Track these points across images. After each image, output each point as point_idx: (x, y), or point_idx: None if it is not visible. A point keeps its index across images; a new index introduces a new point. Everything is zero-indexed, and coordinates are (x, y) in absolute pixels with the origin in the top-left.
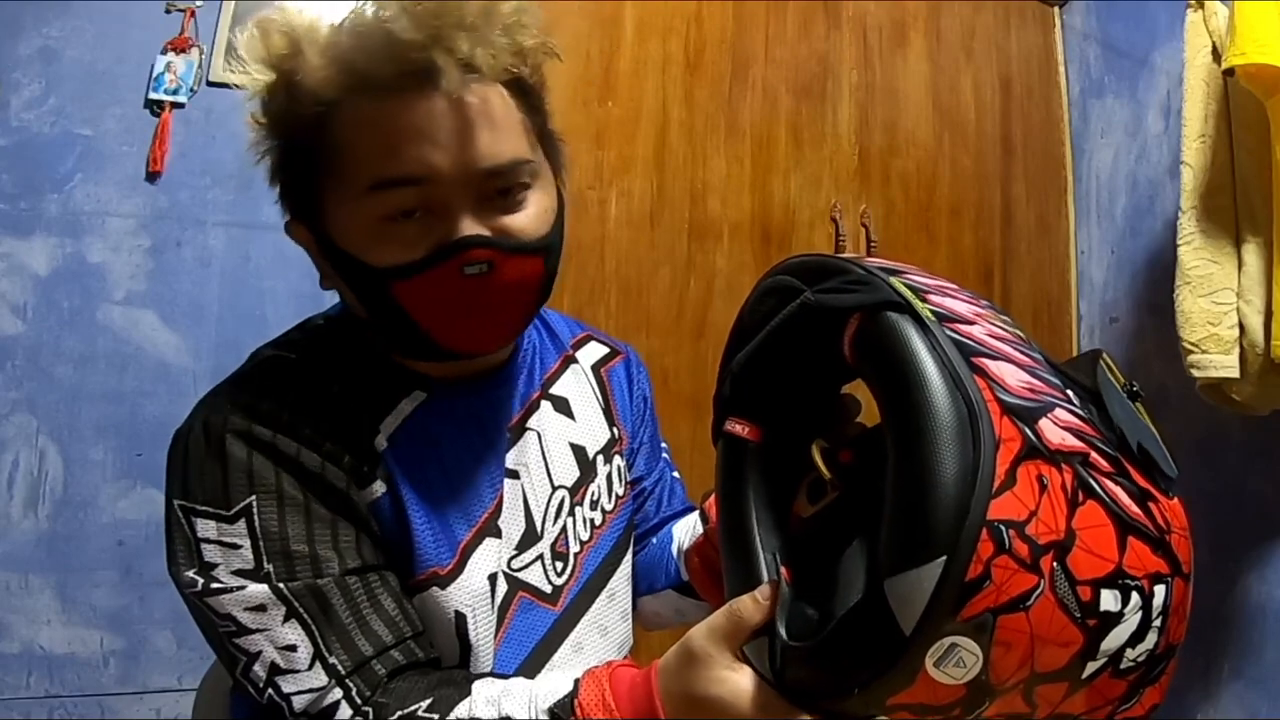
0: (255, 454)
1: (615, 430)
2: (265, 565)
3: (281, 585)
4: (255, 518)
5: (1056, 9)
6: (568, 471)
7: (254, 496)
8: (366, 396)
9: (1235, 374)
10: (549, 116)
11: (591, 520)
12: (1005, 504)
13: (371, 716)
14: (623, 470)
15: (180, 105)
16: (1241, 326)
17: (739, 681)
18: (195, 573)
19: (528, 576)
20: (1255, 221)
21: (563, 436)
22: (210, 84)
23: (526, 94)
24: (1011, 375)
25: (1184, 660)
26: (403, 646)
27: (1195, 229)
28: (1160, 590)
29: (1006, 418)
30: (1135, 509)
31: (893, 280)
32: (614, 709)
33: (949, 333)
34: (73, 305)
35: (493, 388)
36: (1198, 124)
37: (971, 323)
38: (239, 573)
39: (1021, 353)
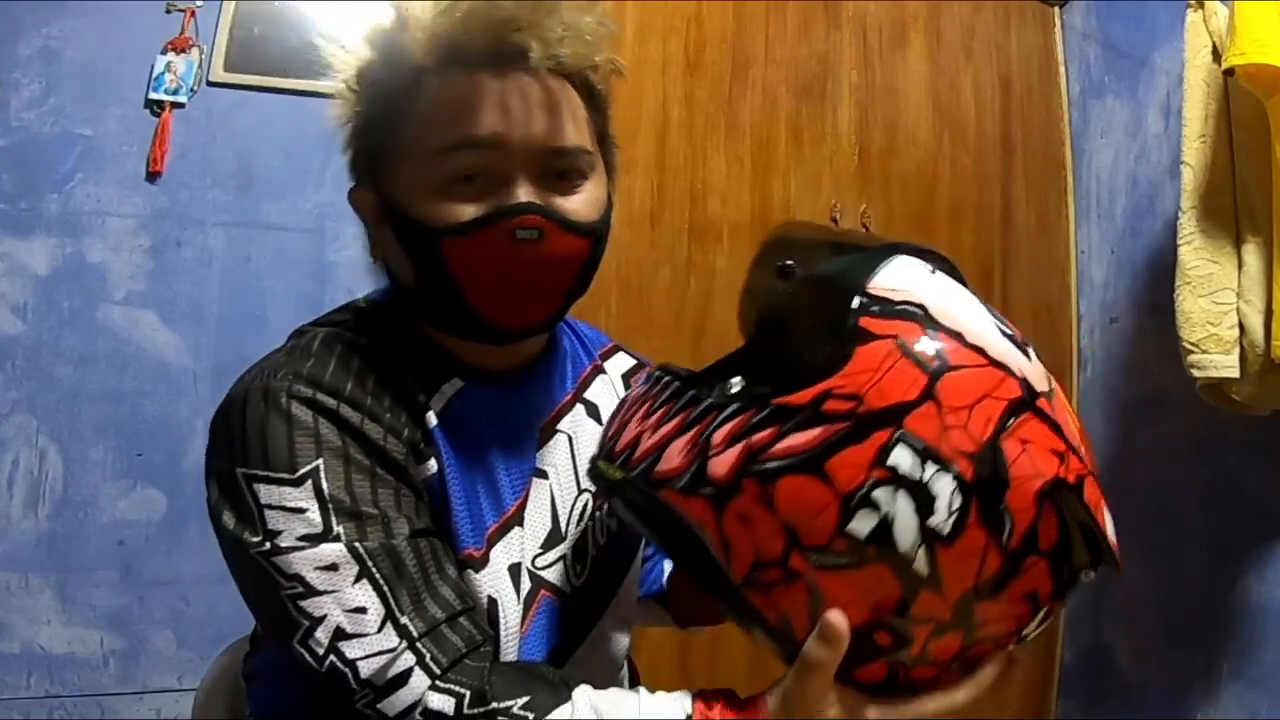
0: (320, 419)
1: None
2: (336, 527)
3: (356, 544)
4: (322, 481)
5: (1056, 9)
6: None
7: (320, 460)
8: (417, 375)
9: (1235, 374)
10: (610, 122)
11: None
12: None
13: (467, 700)
14: None
15: (180, 105)
16: (1241, 326)
17: (852, 707)
18: (261, 538)
19: (550, 576)
20: (1255, 221)
21: (592, 441)
22: (210, 84)
23: (593, 95)
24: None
25: (1184, 660)
26: (468, 615)
27: (1195, 229)
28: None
29: None
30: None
31: None
32: None
33: None
34: (73, 305)
35: (525, 384)
36: (1198, 124)
37: None
38: (305, 537)
39: None
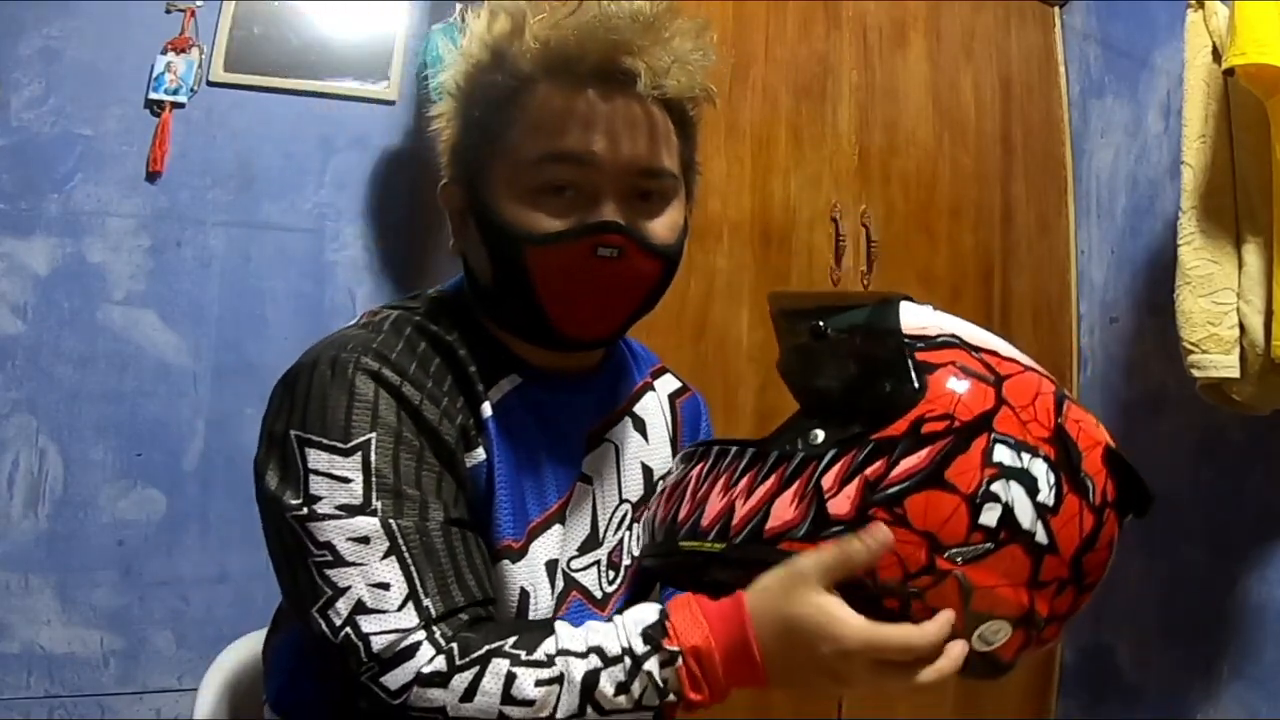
0: (381, 394)
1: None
2: (374, 502)
3: (391, 521)
4: (371, 454)
5: (1056, 9)
6: (635, 488)
7: (374, 434)
8: (478, 366)
9: (1235, 374)
10: (696, 149)
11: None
12: None
13: (456, 651)
14: None
15: (180, 105)
16: (1242, 326)
17: (834, 607)
18: (300, 502)
19: (583, 579)
20: (1255, 221)
21: (636, 455)
22: (210, 84)
23: (685, 124)
24: None
25: (1184, 660)
26: (489, 606)
27: (1195, 229)
28: None
29: None
30: None
31: None
32: (706, 629)
33: None
34: (73, 305)
35: (580, 391)
36: (1198, 124)
37: None
38: (344, 507)
39: None
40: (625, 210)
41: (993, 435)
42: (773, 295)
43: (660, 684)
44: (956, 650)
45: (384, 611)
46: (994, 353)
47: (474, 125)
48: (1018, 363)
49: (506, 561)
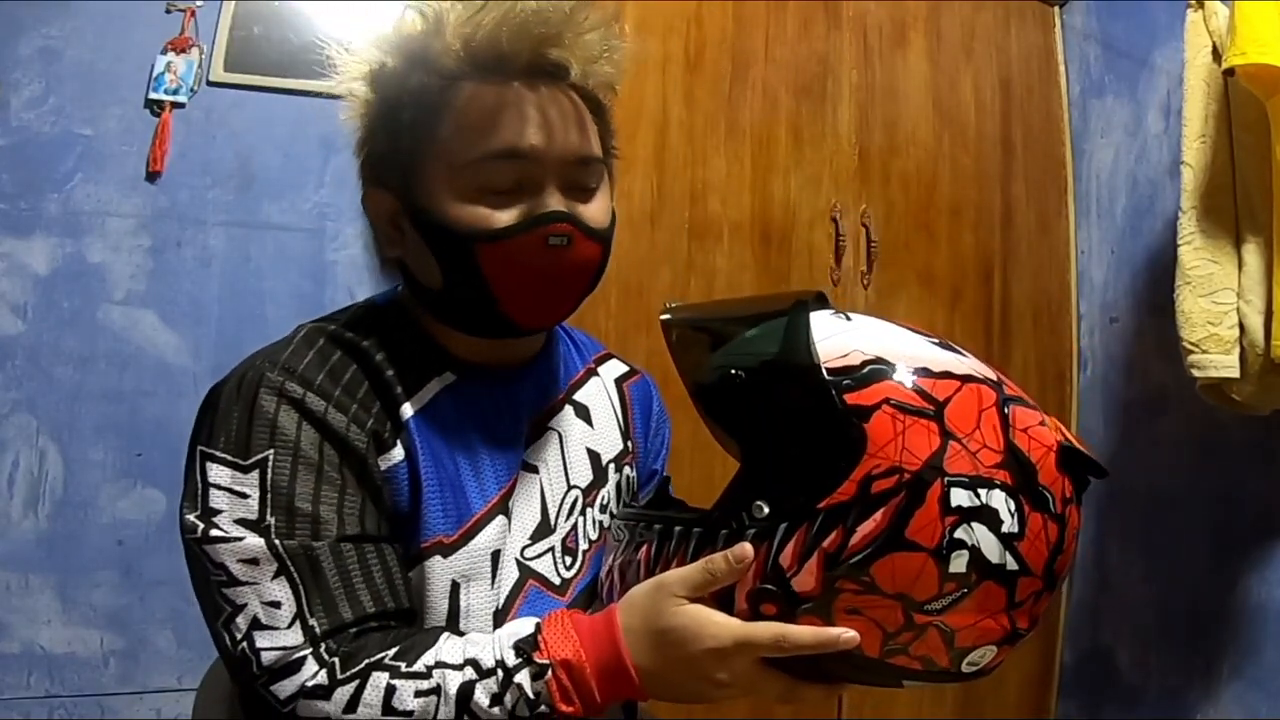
0: (283, 408)
1: (629, 443)
2: (267, 518)
3: (277, 541)
4: (269, 470)
5: (1056, 9)
6: (582, 474)
7: (272, 450)
8: (399, 369)
9: (1235, 374)
10: (612, 134)
11: (600, 522)
12: None
13: (338, 666)
14: (632, 480)
15: (180, 105)
16: (1242, 326)
17: (703, 613)
18: (197, 517)
19: (539, 566)
20: (1255, 221)
21: (581, 441)
22: (210, 84)
23: (600, 111)
24: None
25: (1184, 660)
26: (382, 617)
27: (1195, 229)
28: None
29: None
30: None
31: None
32: (577, 642)
33: None
34: (73, 305)
35: (518, 380)
36: (1198, 124)
37: None
38: (240, 521)
39: None
40: (565, 200)
41: (946, 479)
42: (668, 320)
43: (531, 696)
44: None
45: (275, 629)
46: (924, 370)
47: (403, 129)
48: (950, 374)
49: (437, 557)
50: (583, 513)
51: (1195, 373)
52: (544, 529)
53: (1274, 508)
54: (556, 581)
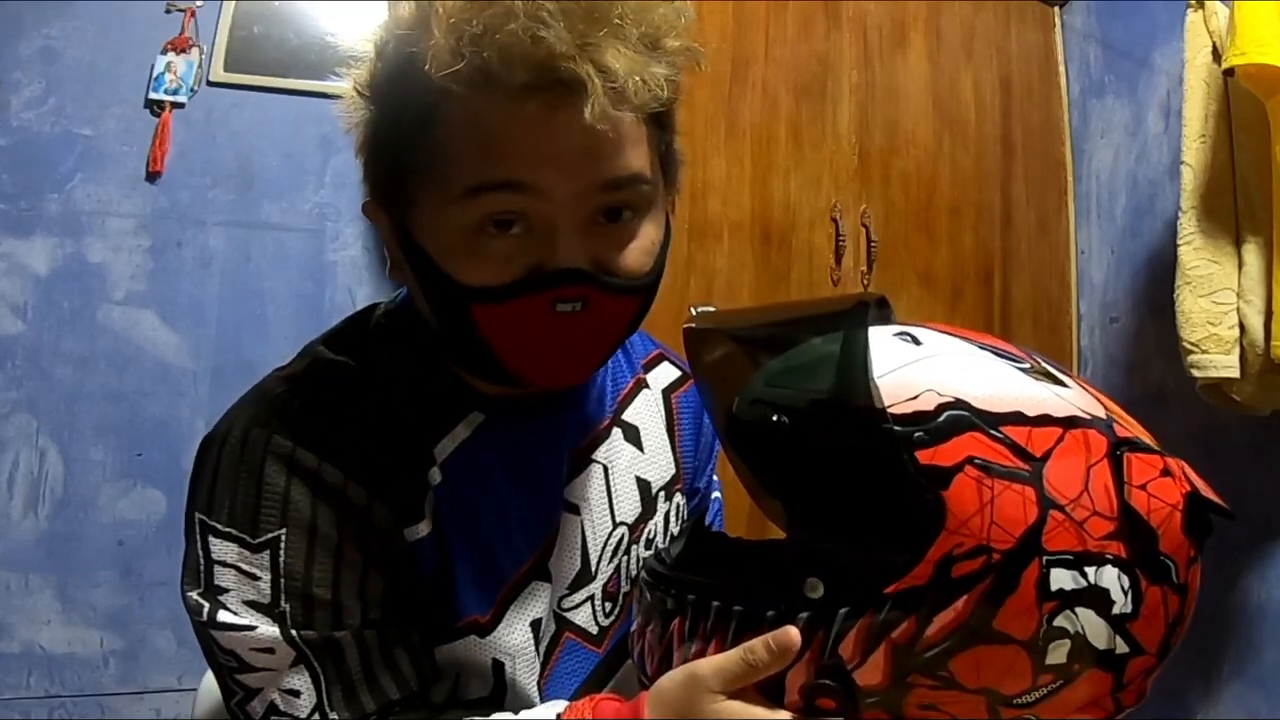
0: (295, 482)
1: (678, 466)
2: (282, 604)
3: (294, 632)
4: (281, 552)
5: (1056, 9)
6: (630, 508)
7: (284, 529)
8: (423, 416)
9: (1235, 374)
10: (676, 133)
11: (644, 560)
12: None
13: None
14: (681, 509)
15: (180, 105)
16: (1242, 326)
17: (740, 711)
18: (200, 595)
19: (575, 617)
20: (1255, 221)
21: (630, 469)
22: (210, 84)
23: (658, 113)
24: None
25: (1184, 660)
26: (404, 703)
27: (1195, 229)
28: None
29: None
30: None
31: None
32: None
33: None
34: (73, 305)
35: (556, 410)
36: (1198, 124)
37: None
38: (251, 605)
39: None
40: (587, 242)
41: (1045, 559)
42: (692, 329)
43: None
44: None
45: (295, 717)
46: (1017, 416)
47: (387, 143)
48: (1049, 418)
49: (474, 637)
50: (627, 551)
51: (1195, 373)
52: (584, 577)
53: (1274, 508)
54: (594, 631)
